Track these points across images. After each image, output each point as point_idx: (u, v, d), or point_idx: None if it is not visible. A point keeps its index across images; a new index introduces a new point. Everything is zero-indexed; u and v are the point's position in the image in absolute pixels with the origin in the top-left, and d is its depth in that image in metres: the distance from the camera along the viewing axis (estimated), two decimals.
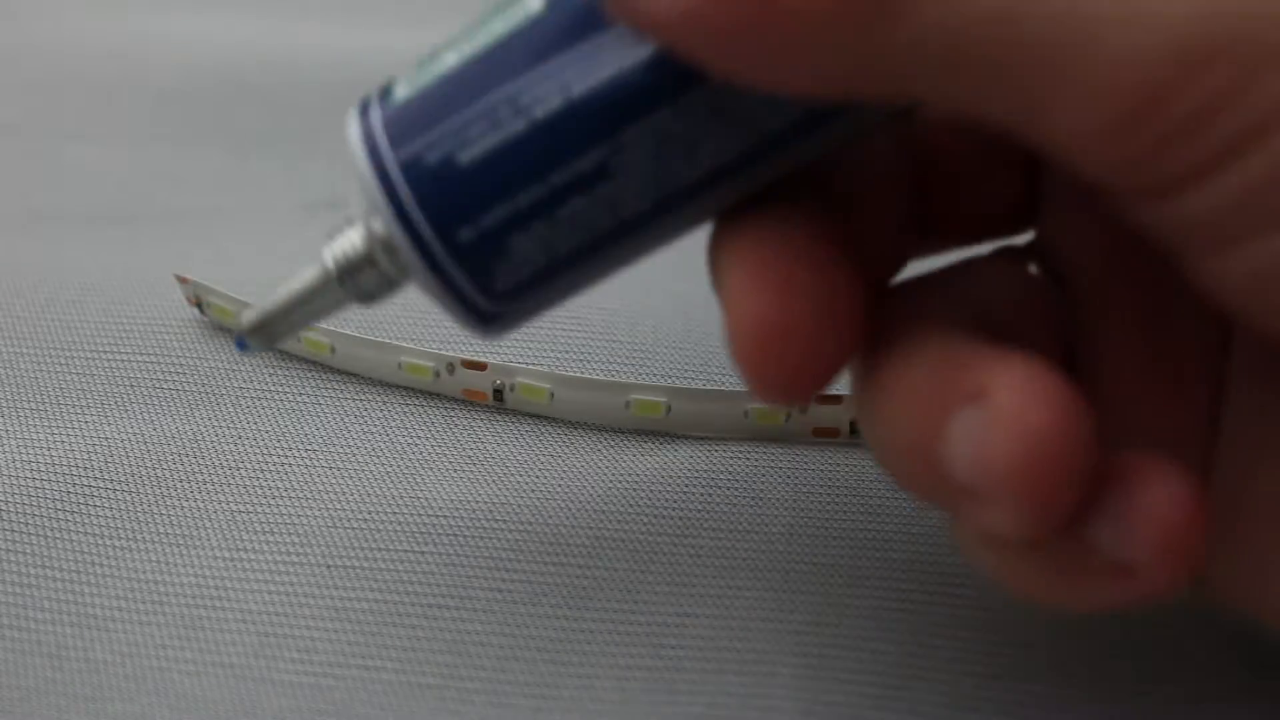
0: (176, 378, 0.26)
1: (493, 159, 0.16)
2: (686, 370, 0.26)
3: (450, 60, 0.16)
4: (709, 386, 0.25)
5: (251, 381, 0.26)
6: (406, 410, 0.26)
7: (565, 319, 0.27)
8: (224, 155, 0.35)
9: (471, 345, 0.27)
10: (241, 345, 0.19)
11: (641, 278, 0.31)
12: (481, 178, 0.16)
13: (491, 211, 0.16)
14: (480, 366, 0.25)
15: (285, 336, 0.19)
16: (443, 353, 0.26)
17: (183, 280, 0.28)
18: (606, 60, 0.15)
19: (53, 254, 0.30)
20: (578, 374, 0.25)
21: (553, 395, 0.25)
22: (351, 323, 0.27)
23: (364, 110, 0.17)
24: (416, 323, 0.28)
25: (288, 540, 0.22)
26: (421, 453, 0.25)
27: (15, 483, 0.23)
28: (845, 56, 0.13)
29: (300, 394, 0.26)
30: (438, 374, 0.26)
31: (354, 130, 0.16)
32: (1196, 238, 0.14)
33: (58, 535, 0.22)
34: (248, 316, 0.18)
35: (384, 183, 0.16)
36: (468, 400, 0.26)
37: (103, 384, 0.26)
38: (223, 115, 0.37)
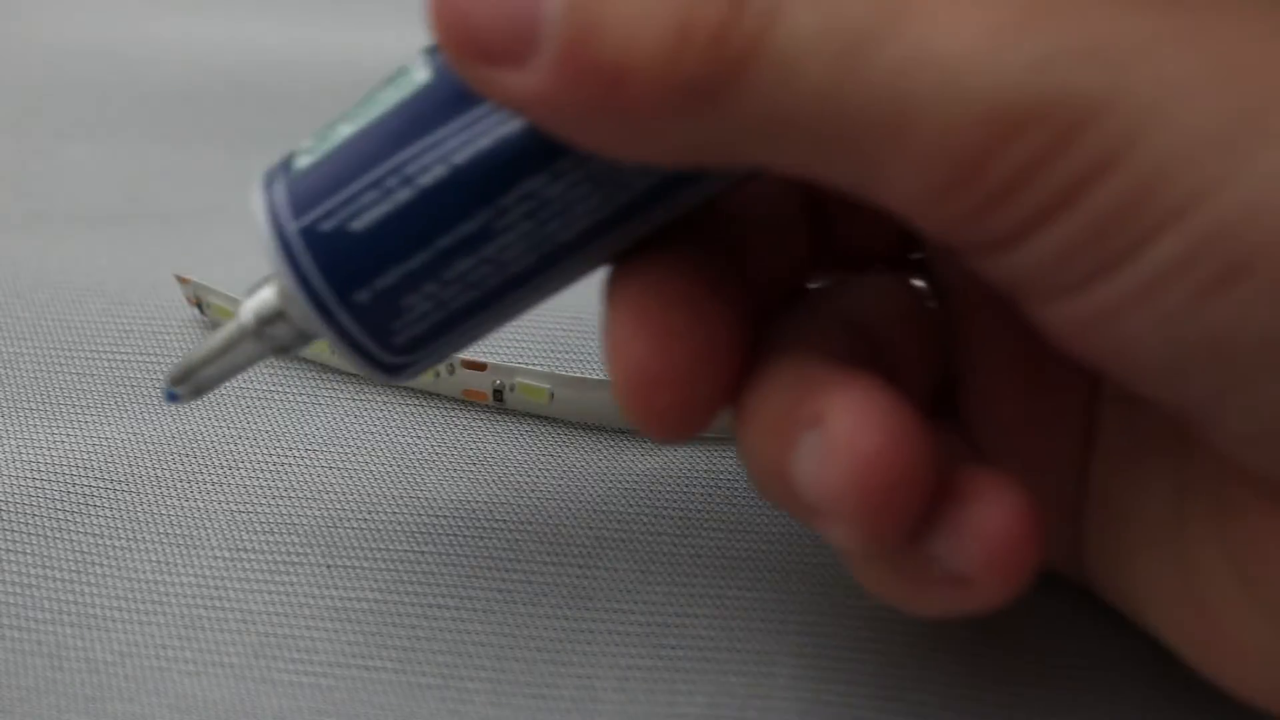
0: None
1: (383, 226, 0.17)
2: None
3: (345, 131, 0.17)
4: None
5: (251, 381, 0.26)
6: (406, 410, 0.26)
7: (565, 319, 0.28)
8: (224, 155, 0.35)
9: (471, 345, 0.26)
10: (170, 396, 0.20)
11: None
12: (373, 244, 0.17)
13: (384, 275, 0.17)
14: (480, 366, 0.25)
15: (211, 386, 0.20)
16: None
17: (183, 280, 0.28)
18: (484, 131, 0.16)
19: (53, 254, 0.30)
20: (578, 374, 0.25)
21: (553, 395, 0.25)
22: None
23: (268, 181, 0.18)
24: None
25: (288, 540, 0.22)
26: (421, 453, 0.25)
27: (15, 483, 0.23)
28: (683, 133, 0.14)
29: (300, 394, 0.26)
30: (437, 374, 0.26)
31: (258, 199, 0.18)
32: (1027, 289, 0.15)
33: (58, 535, 0.22)
34: (174, 368, 0.20)
35: (285, 249, 0.17)
36: (467, 400, 0.26)
37: (103, 384, 0.26)
38: (223, 115, 0.37)
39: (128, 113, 0.37)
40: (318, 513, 0.23)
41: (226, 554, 0.22)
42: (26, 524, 0.22)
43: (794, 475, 0.16)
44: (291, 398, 0.26)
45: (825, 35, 0.13)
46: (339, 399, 0.26)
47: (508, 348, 0.27)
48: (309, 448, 0.25)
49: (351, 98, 0.36)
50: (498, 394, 0.25)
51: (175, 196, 0.33)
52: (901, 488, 0.15)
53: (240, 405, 0.26)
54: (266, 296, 0.18)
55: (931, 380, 0.20)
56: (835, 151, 0.14)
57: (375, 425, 0.25)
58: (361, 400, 0.26)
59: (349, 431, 0.25)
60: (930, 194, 0.14)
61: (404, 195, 0.17)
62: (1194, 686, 0.20)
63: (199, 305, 0.28)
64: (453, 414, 0.26)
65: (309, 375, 0.27)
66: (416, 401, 0.26)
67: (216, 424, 0.25)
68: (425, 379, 0.26)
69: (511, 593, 0.21)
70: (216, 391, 0.26)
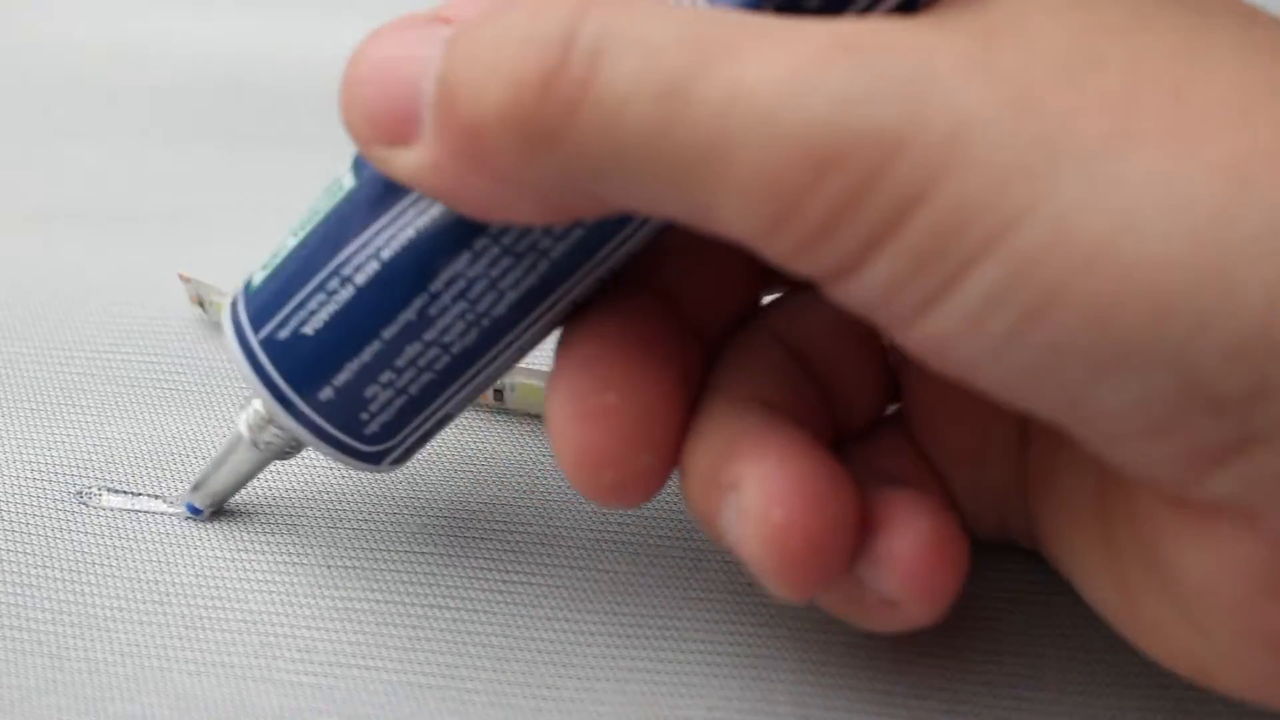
0: (176, 378, 0.26)
1: (332, 326, 0.18)
2: None
3: (290, 244, 0.19)
4: None
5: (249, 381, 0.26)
6: None
7: None
8: (224, 155, 0.35)
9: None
10: (190, 508, 0.22)
11: None
12: (326, 344, 0.18)
13: (341, 370, 0.18)
14: None
15: (225, 495, 0.22)
16: None
17: (185, 279, 0.28)
18: (406, 224, 0.17)
19: (53, 254, 0.30)
20: None
21: None
22: None
23: (234, 301, 0.19)
24: None
25: (288, 540, 0.22)
26: (422, 453, 0.25)
27: (15, 483, 0.23)
28: (540, 180, 0.15)
29: None
30: None
31: (226, 318, 0.19)
32: (873, 316, 0.15)
33: (58, 535, 0.22)
34: (193, 485, 0.22)
35: (251, 361, 0.19)
36: None
37: (103, 384, 0.26)
38: (222, 115, 0.37)
39: (128, 112, 0.37)
40: (318, 513, 0.23)
41: (227, 554, 0.22)
42: (26, 524, 0.22)
43: (722, 533, 0.17)
44: None
45: (644, 78, 0.14)
46: None
47: None
48: (309, 447, 0.25)
49: None
50: (498, 394, 0.25)
51: (175, 196, 0.33)
52: (814, 553, 0.16)
53: (240, 405, 0.26)
54: (255, 407, 0.20)
55: (877, 394, 0.20)
56: (669, 188, 0.15)
57: None
58: None
59: None
60: (759, 229, 0.14)
61: (345, 294, 0.18)
62: (1194, 693, 0.20)
63: (201, 304, 0.28)
64: None
65: None
66: None
67: (217, 424, 0.25)
68: None
69: (512, 593, 0.21)
70: (216, 392, 0.26)
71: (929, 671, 0.20)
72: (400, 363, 0.18)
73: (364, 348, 0.18)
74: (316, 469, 0.24)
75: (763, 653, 0.20)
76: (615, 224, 0.17)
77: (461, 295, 0.18)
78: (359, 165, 0.18)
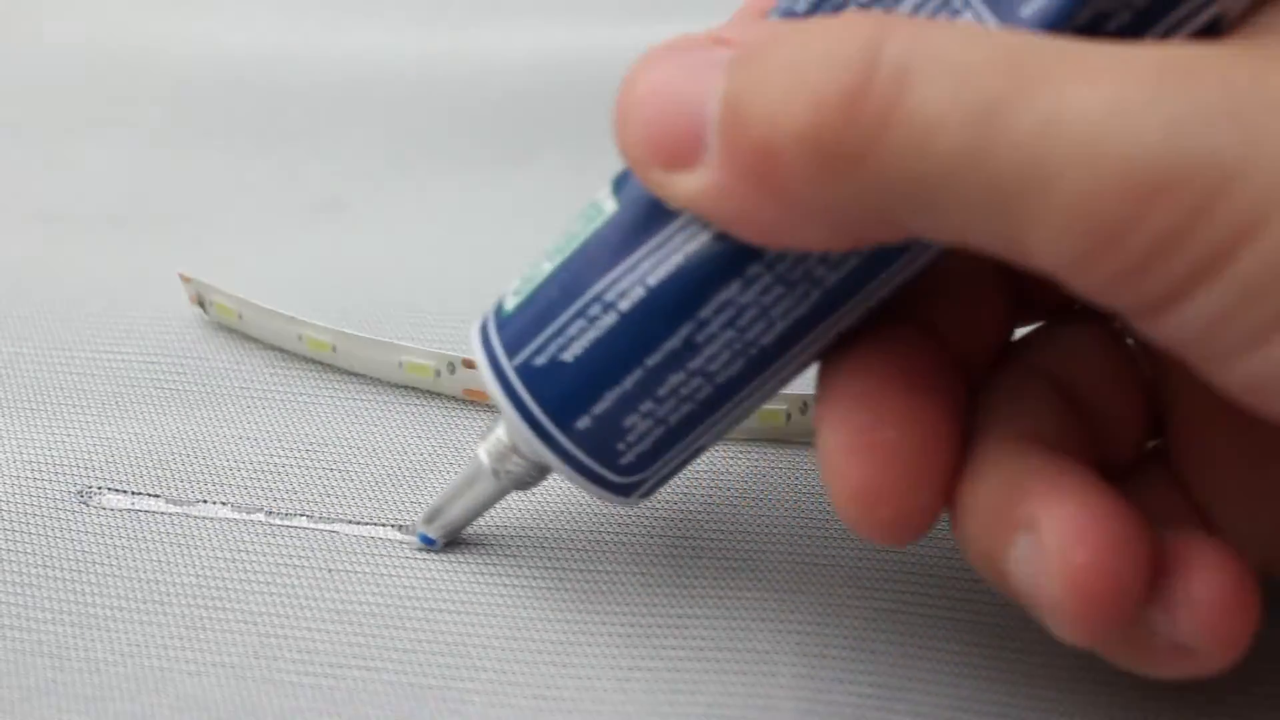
0: (177, 378, 0.26)
1: (593, 353, 0.18)
2: None
3: (546, 269, 0.18)
4: None
5: (252, 381, 0.26)
6: (407, 410, 0.26)
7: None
8: (224, 155, 0.35)
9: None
10: (424, 539, 0.22)
11: None
12: (586, 371, 0.18)
13: (601, 399, 0.18)
14: None
15: (459, 525, 0.22)
16: (444, 352, 0.26)
17: (186, 279, 0.28)
18: (674, 249, 0.17)
19: (53, 254, 0.30)
20: None
21: None
22: (353, 322, 0.27)
23: (484, 325, 0.19)
24: (418, 322, 0.28)
25: (289, 541, 0.22)
26: (422, 452, 0.25)
27: (15, 482, 0.23)
28: (835, 204, 0.15)
29: (300, 394, 0.26)
30: (439, 373, 0.26)
31: (476, 343, 0.19)
32: (1185, 352, 0.14)
33: (58, 535, 0.22)
34: (425, 513, 0.22)
35: (505, 388, 0.18)
36: (469, 400, 0.26)
37: (103, 384, 0.26)
38: (223, 115, 0.37)
39: (130, 112, 0.37)
40: (318, 513, 0.23)
41: (227, 554, 0.22)
42: (27, 524, 0.22)
43: (1010, 573, 0.17)
44: (291, 398, 0.26)
45: (957, 101, 0.14)
46: (339, 399, 0.26)
47: None
48: (309, 448, 0.25)
49: (352, 97, 0.37)
50: None
51: (176, 196, 0.33)
52: (1115, 595, 0.16)
53: (240, 405, 0.26)
54: (498, 435, 0.20)
55: (1140, 429, 0.20)
56: (975, 216, 0.14)
57: (376, 425, 0.25)
58: (362, 400, 0.26)
59: (349, 431, 0.25)
60: (1074, 259, 0.14)
61: (608, 321, 0.17)
62: (1198, 694, 0.20)
63: (201, 304, 0.28)
64: (454, 413, 0.26)
65: (309, 375, 0.27)
66: (417, 401, 0.26)
67: (217, 424, 0.25)
68: (426, 378, 0.26)
69: (512, 593, 0.21)
70: (217, 392, 0.26)
71: (930, 667, 0.20)
72: (662, 392, 0.18)
73: (626, 376, 0.18)
74: (317, 469, 0.24)
75: (762, 650, 0.20)
76: (893, 253, 0.17)
77: (730, 323, 0.17)
78: (619, 188, 0.18)
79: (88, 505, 0.23)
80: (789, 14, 0.16)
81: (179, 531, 0.22)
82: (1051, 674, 0.20)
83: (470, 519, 0.22)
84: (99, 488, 0.23)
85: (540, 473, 0.20)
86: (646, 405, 0.18)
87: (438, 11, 0.40)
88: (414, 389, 0.26)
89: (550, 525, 0.23)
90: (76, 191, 0.33)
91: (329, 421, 0.25)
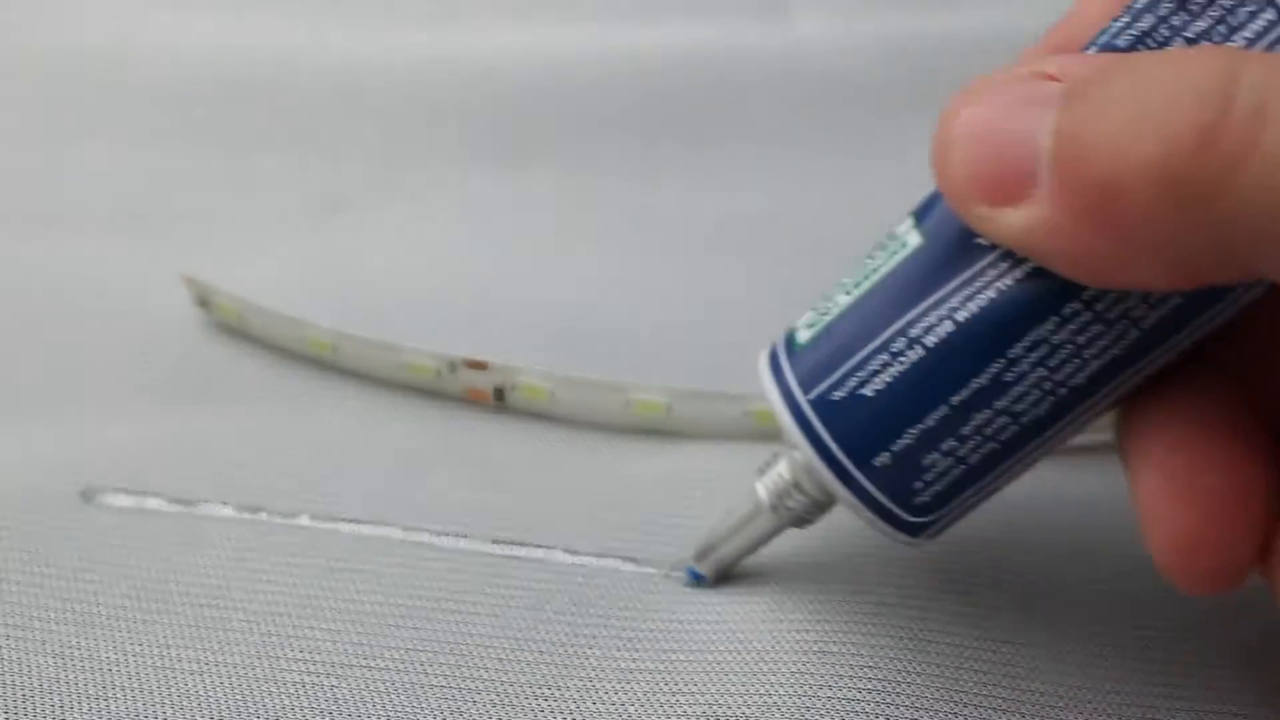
0: (179, 377, 0.26)
1: (896, 389, 0.17)
2: (688, 370, 0.26)
3: (843, 302, 0.18)
4: (710, 388, 0.25)
5: (252, 381, 0.27)
6: (408, 410, 0.26)
7: (566, 318, 0.28)
8: (224, 155, 0.35)
9: (473, 344, 0.27)
10: (693, 575, 0.21)
11: (641, 279, 0.31)
12: (888, 407, 0.17)
13: (902, 436, 0.17)
14: (482, 366, 0.25)
15: (731, 563, 0.21)
16: (445, 352, 0.26)
17: (188, 280, 0.28)
18: (986, 284, 0.17)
19: (53, 254, 0.30)
20: (578, 374, 0.26)
21: (553, 395, 0.25)
22: (354, 322, 0.27)
23: (773, 356, 0.19)
24: (419, 322, 0.28)
25: (290, 541, 0.22)
26: (423, 452, 0.25)
27: (18, 482, 0.23)
28: (1179, 242, 0.14)
29: (300, 394, 0.26)
30: (439, 373, 0.26)
31: (766, 375, 0.19)
32: None
33: (59, 535, 0.22)
34: (696, 546, 0.21)
35: (801, 422, 0.18)
36: (469, 400, 0.26)
37: (105, 384, 0.26)
38: (223, 115, 0.37)
39: (131, 114, 0.37)
40: (319, 513, 0.23)
41: (229, 554, 0.22)
42: (29, 523, 0.22)
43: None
44: (292, 398, 0.26)
45: None
46: (339, 399, 0.26)
47: (509, 347, 0.27)
48: (309, 448, 0.25)
49: (352, 97, 0.37)
50: (499, 394, 0.25)
51: (176, 197, 0.33)
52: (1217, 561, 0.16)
53: (240, 405, 0.26)
54: (780, 471, 0.20)
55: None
56: None
57: (376, 425, 0.25)
58: (362, 400, 0.26)
59: (350, 431, 0.25)
60: None
61: (912, 356, 0.17)
62: (1199, 691, 0.20)
63: (204, 305, 0.28)
64: (454, 413, 0.26)
65: (309, 375, 0.27)
66: (418, 401, 0.26)
67: (219, 424, 0.25)
68: (427, 378, 0.26)
69: (513, 594, 0.21)
70: (217, 391, 0.26)
71: (928, 663, 0.20)
72: (965, 430, 0.17)
73: (929, 413, 0.17)
74: (317, 469, 0.24)
75: (762, 650, 0.20)
76: (1219, 293, 0.17)
77: (1042, 362, 0.17)
78: (922, 220, 0.17)
79: (90, 505, 0.23)
80: (1109, 49, 0.16)
81: (181, 531, 0.22)
82: (1052, 670, 0.20)
83: (744, 556, 0.21)
84: (102, 487, 0.23)
85: (820, 510, 0.20)
86: (948, 444, 0.18)
87: (438, 12, 0.40)
88: (414, 389, 0.26)
89: (550, 524, 0.23)
90: (77, 192, 0.33)
91: (330, 421, 0.25)
